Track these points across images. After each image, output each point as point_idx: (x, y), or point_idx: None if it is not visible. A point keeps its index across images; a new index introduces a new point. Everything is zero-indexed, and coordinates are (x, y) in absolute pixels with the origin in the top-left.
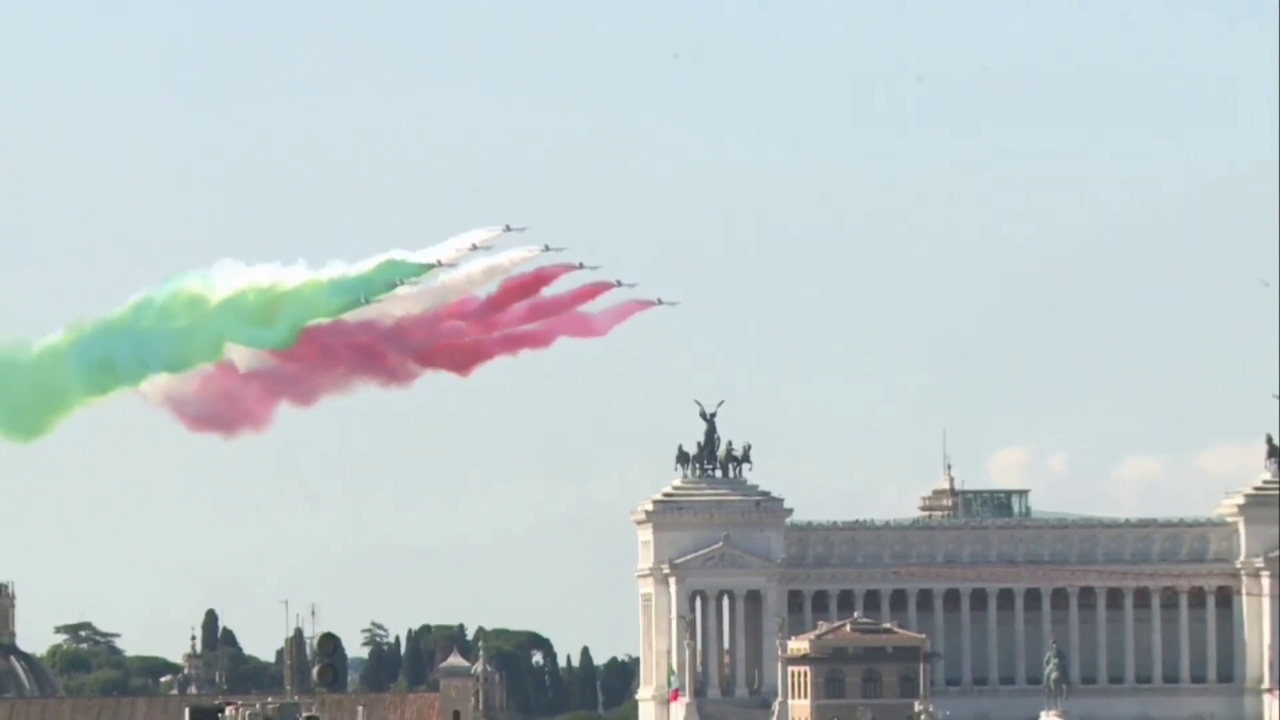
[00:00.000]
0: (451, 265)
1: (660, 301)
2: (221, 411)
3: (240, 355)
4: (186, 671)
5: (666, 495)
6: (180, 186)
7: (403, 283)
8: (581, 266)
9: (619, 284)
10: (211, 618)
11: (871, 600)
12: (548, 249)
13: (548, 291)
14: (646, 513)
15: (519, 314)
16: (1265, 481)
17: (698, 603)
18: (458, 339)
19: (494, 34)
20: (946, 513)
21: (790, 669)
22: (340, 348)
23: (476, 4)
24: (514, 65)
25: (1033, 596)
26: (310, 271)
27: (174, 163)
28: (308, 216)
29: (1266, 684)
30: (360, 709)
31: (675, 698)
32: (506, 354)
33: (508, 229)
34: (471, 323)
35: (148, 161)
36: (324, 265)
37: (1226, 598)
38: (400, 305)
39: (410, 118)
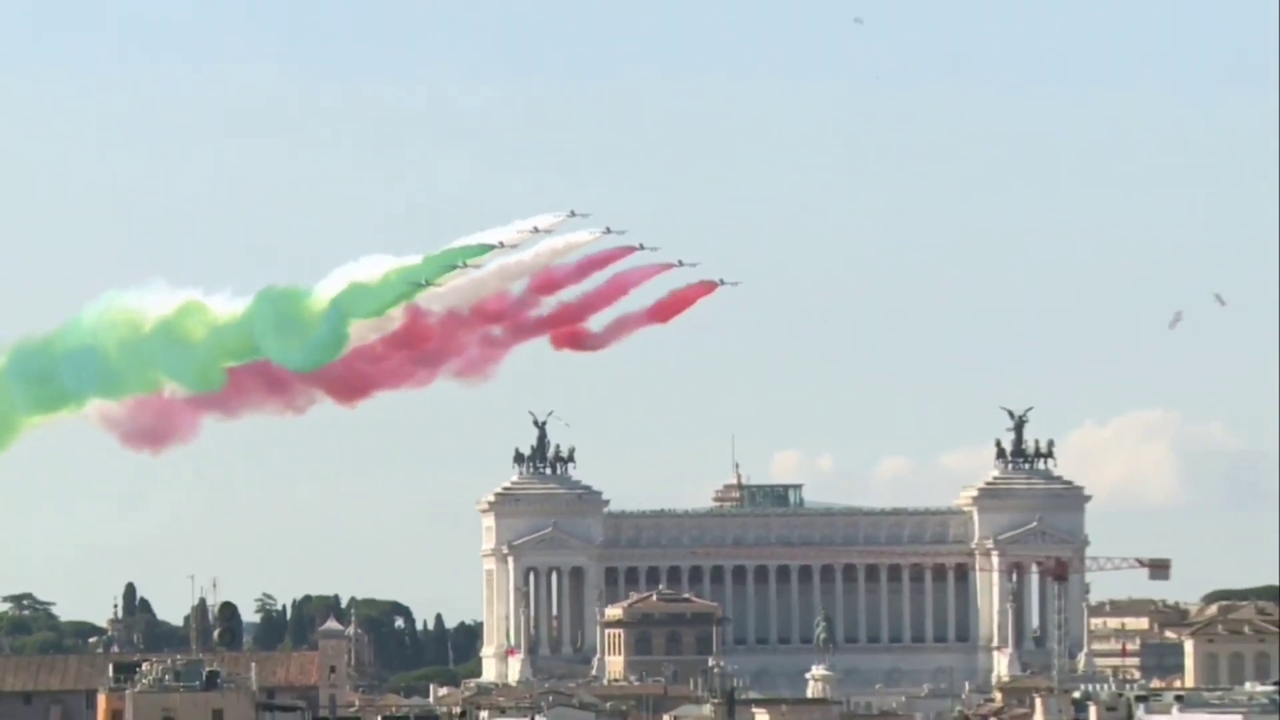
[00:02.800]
0: (513, 246)
1: (723, 282)
2: (154, 430)
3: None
4: (110, 634)
5: (505, 489)
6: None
7: (465, 264)
8: (642, 248)
9: (680, 264)
10: (131, 589)
11: (674, 575)
12: (609, 231)
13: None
14: (489, 503)
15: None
16: (994, 477)
17: (531, 577)
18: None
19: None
20: (735, 503)
21: (607, 631)
22: (257, 386)
23: None
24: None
25: (805, 572)
26: (234, 299)
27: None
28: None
29: (996, 643)
30: (253, 665)
31: (512, 654)
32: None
33: (572, 214)
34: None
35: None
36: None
37: (964, 573)
38: (439, 299)
39: (475, 103)
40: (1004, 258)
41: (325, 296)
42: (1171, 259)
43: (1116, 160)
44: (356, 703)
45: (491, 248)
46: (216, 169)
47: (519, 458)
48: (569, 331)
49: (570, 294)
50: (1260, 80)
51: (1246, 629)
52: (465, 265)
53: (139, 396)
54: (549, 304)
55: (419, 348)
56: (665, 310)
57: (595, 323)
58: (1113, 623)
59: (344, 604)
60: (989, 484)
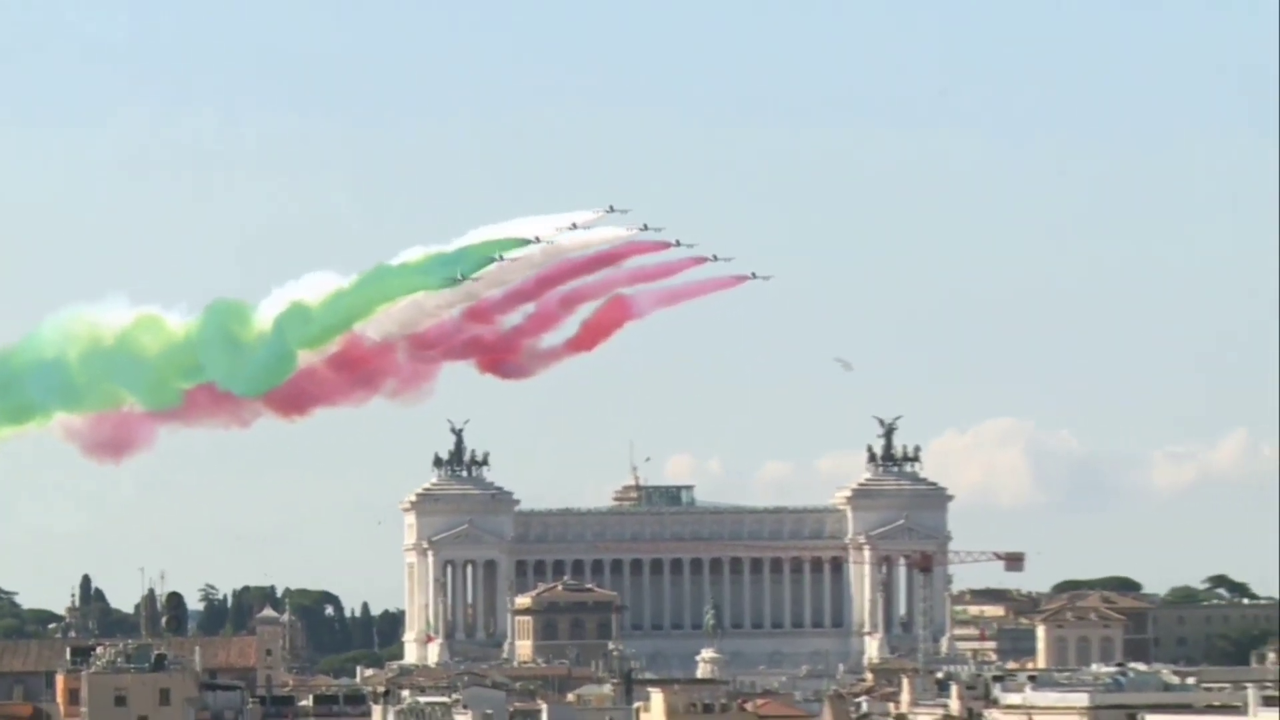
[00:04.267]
0: (549, 241)
1: (754, 276)
2: (114, 443)
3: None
4: (68, 621)
5: (425, 490)
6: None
7: (501, 257)
8: (678, 244)
9: (715, 258)
10: (87, 580)
11: (577, 568)
12: (645, 228)
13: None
14: (411, 503)
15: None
16: (866, 479)
17: (448, 570)
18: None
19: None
20: (633, 502)
21: (517, 619)
22: (209, 403)
23: None
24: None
25: (696, 565)
26: (190, 314)
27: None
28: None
29: (867, 628)
30: (197, 649)
31: (431, 639)
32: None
33: (611, 210)
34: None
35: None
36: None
37: (838, 565)
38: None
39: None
40: (874, 281)
41: (270, 316)
42: (1022, 282)
43: (978, 187)
44: (290, 683)
45: (527, 241)
46: (180, 182)
47: (438, 462)
48: (495, 360)
49: (506, 321)
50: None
51: (1092, 616)
52: (501, 259)
53: (100, 411)
54: (481, 330)
55: (357, 370)
56: (588, 339)
57: (525, 351)
58: (972, 610)
59: (279, 594)
60: (861, 485)
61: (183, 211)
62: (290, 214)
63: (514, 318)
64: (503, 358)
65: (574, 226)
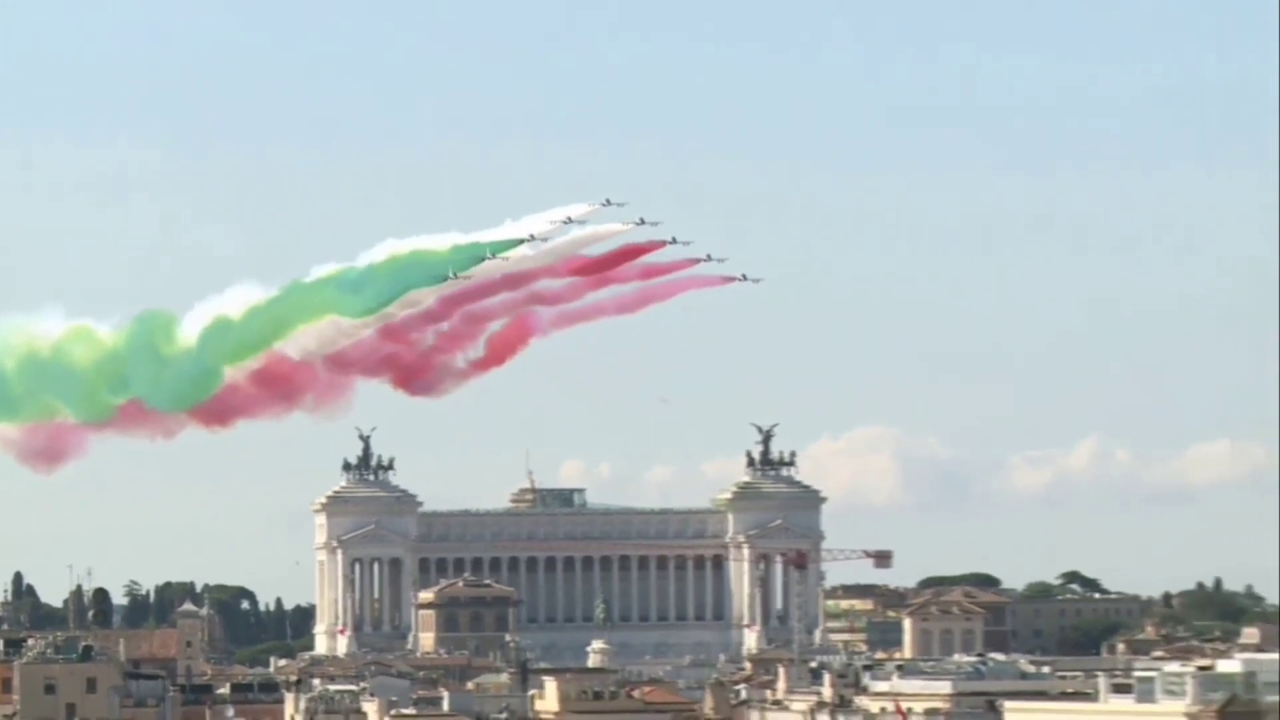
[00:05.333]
0: (543, 239)
1: (745, 278)
2: (48, 452)
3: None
4: (0, 614)
5: (335, 493)
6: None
7: (493, 255)
8: (674, 242)
9: (709, 259)
10: (18, 576)
11: (477, 565)
12: (642, 222)
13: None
14: (321, 504)
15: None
16: (745, 482)
17: (356, 567)
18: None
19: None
20: (528, 504)
21: (420, 612)
22: (137, 416)
23: None
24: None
25: (587, 562)
26: (120, 327)
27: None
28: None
29: (746, 621)
30: (122, 641)
31: (340, 632)
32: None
33: (607, 203)
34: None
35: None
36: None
37: (719, 563)
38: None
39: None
40: (753, 296)
41: (195, 330)
42: (892, 298)
43: (847, 205)
44: (209, 672)
45: (521, 240)
46: (107, 193)
47: (347, 466)
48: (409, 378)
49: (419, 341)
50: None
51: (955, 609)
52: (493, 256)
53: (35, 422)
54: (395, 349)
55: (279, 386)
56: (494, 357)
57: (437, 370)
58: (843, 604)
59: (199, 589)
60: (741, 488)
61: (112, 222)
62: (214, 225)
63: (427, 337)
64: (416, 376)
65: (569, 220)
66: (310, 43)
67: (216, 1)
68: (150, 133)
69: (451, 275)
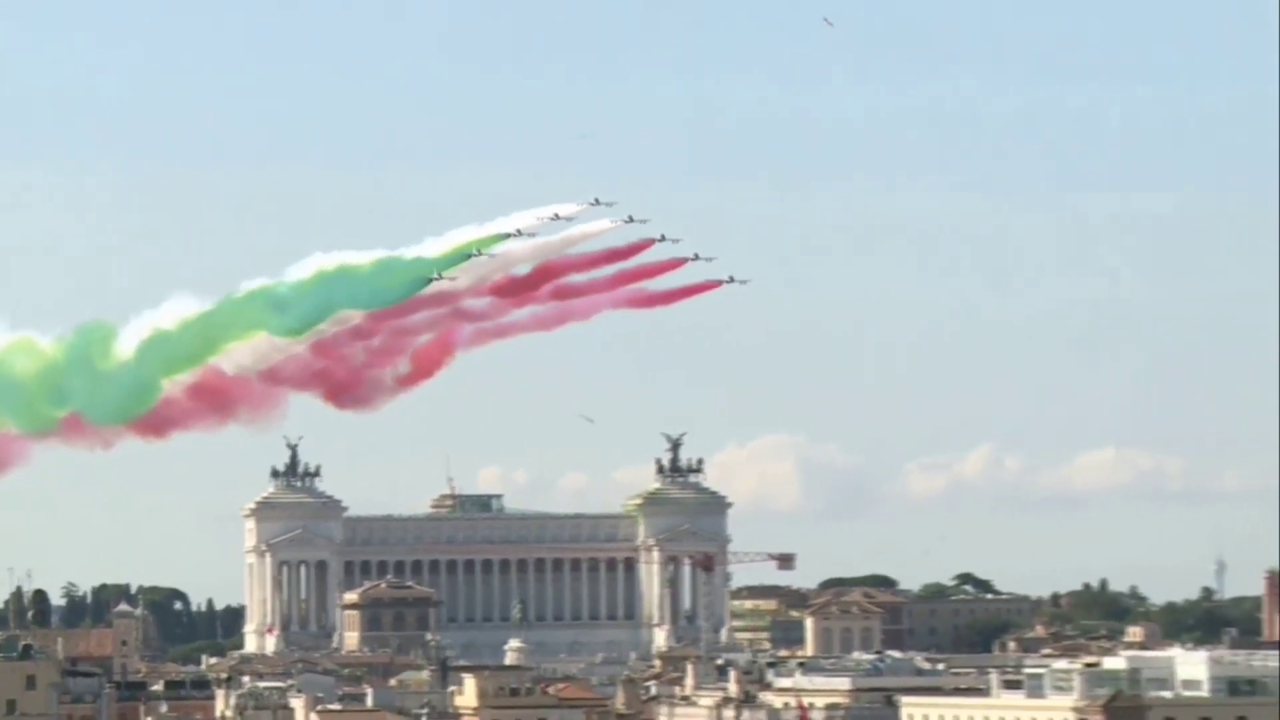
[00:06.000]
0: (530, 235)
1: (731, 279)
2: None
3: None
4: None
5: (264, 499)
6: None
7: (479, 252)
8: (663, 239)
9: (696, 258)
10: None
11: (399, 568)
12: (631, 220)
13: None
14: (251, 510)
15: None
16: (655, 489)
17: (284, 570)
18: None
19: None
20: (448, 509)
21: (345, 613)
22: (80, 427)
23: None
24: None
25: (504, 565)
26: (59, 338)
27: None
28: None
29: (656, 620)
30: (60, 640)
31: (269, 631)
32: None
33: (596, 202)
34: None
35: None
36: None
37: (630, 565)
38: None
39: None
40: (664, 312)
41: (133, 343)
42: (793, 312)
43: (756, 221)
44: (143, 670)
45: (507, 235)
46: (55, 200)
47: (275, 473)
48: (339, 392)
49: (349, 356)
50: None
51: (854, 609)
52: (480, 254)
53: None
54: (326, 364)
55: (215, 400)
56: (420, 373)
57: (367, 385)
58: (749, 604)
59: (134, 590)
60: (651, 494)
61: (56, 231)
62: (154, 233)
63: (357, 353)
64: (347, 390)
65: (556, 218)
66: (261, 53)
67: (151, 20)
68: (89, 148)
69: (437, 275)
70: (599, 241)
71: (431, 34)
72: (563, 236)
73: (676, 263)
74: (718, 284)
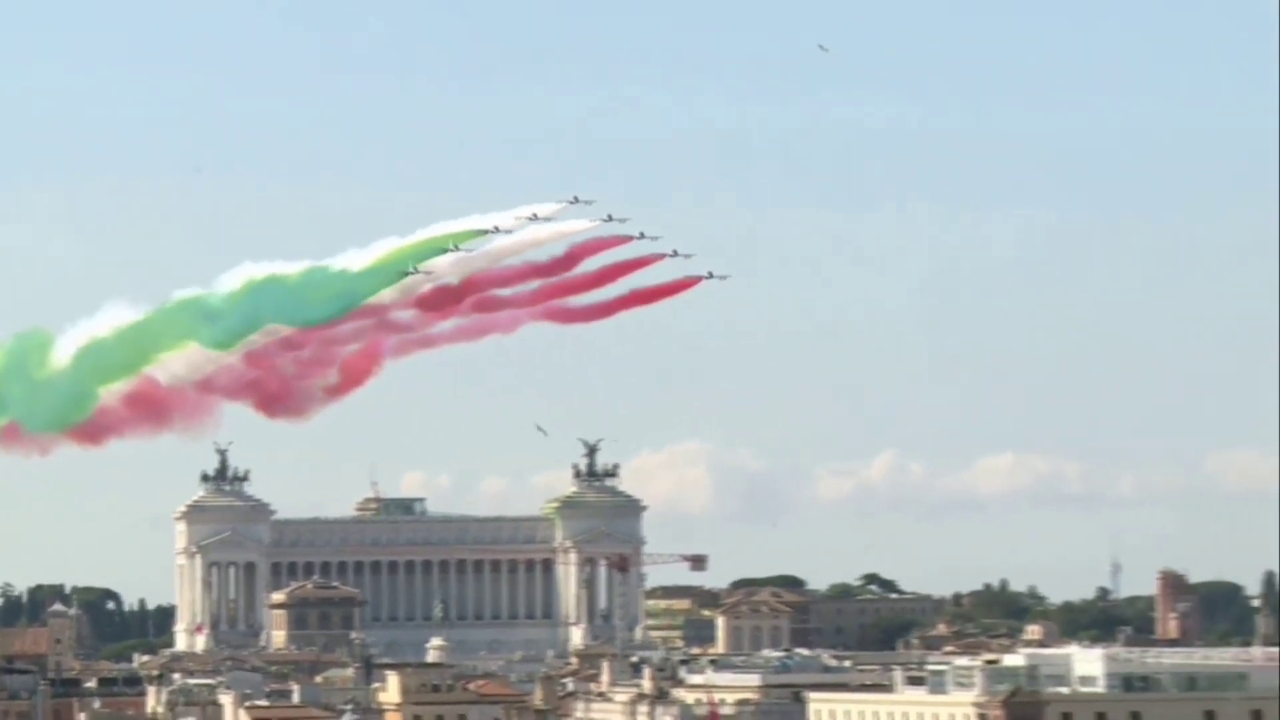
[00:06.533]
0: (508, 232)
1: (711, 275)
2: None
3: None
4: None
5: (194, 502)
6: None
7: (456, 247)
8: (642, 237)
9: (674, 254)
10: None
11: (325, 569)
12: (610, 219)
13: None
14: (182, 513)
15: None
16: (573, 492)
17: (214, 571)
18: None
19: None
20: (373, 512)
21: (273, 612)
22: (18, 435)
23: None
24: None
25: (427, 566)
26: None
27: None
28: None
29: (573, 619)
30: None
31: (199, 630)
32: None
33: (575, 200)
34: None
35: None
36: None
37: (549, 566)
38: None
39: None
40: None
41: (70, 351)
42: (705, 322)
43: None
44: (77, 667)
45: (485, 232)
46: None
47: (205, 477)
48: (272, 402)
49: (281, 366)
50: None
51: (764, 609)
52: (456, 249)
53: None
54: (259, 374)
55: (150, 409)
56: (349, 382)
57: (298, 395)
58: (662, 604)
59: (68, 591)
60: (568, 498)
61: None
62: (91, 241)
63: (287, 363)
64: (279, 400)
65: (535, 217)
66: (207, 58)
67: (82, 31)
68: (26, 157)
69: (412, 270)
70: (536, 252)
71: (375, 40)
72: (539, 235)
73: (655, 258)
74: (698, 280)
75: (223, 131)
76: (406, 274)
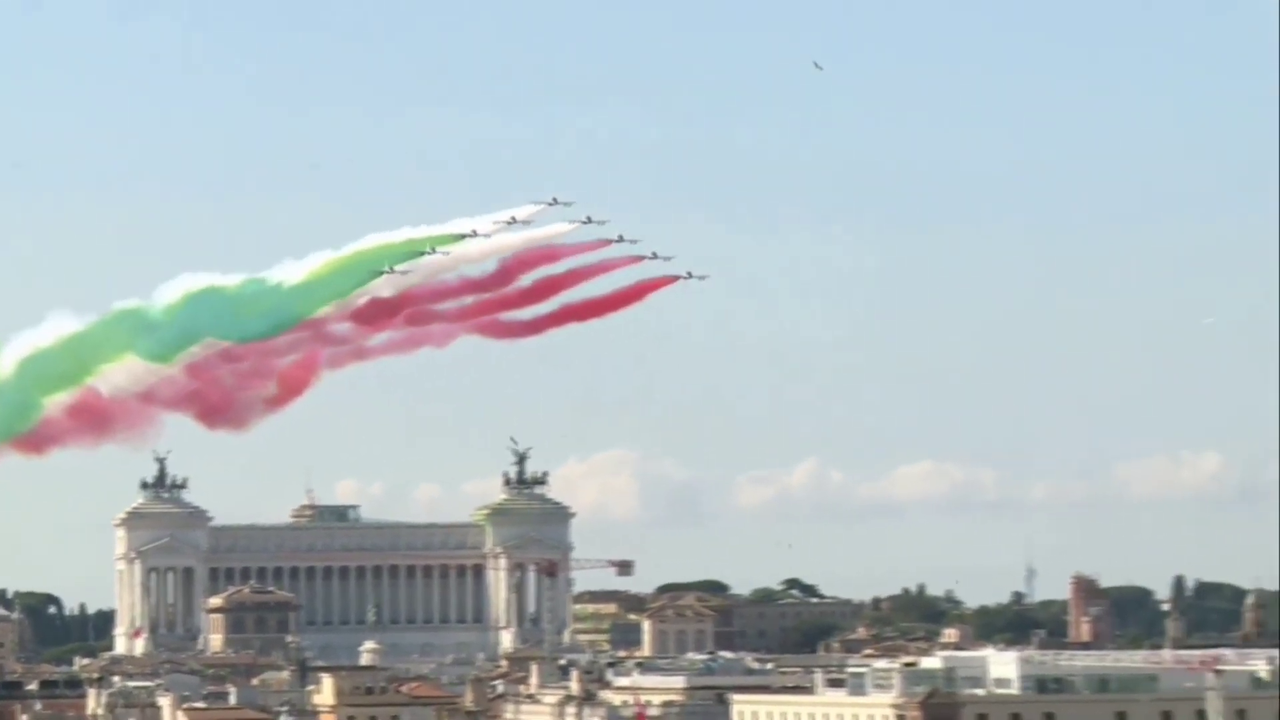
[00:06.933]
0: (486, 236)
1: (690, 275)
2: None
3: None
4: None
5: (133, 509)
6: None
7: (433, 250)
8: (621, 240)
9: (654, 256)
10: None
11: (261, 574)
12: (589, 221)
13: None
14: (121, 519)
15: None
16: (502, 500)
17: (153, 576)
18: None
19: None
20: (308, 519)
21: (210, 616)
22: None
23: None
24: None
25: (360, 571)
26: None
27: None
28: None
29: (503, 623)
30: None
31: (138, 634)
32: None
33: (554, 202)
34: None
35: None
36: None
37: (479, 572)
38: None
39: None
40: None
41: (12, 362)
42: (630, 336)
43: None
44: (19, 670)
45: (463, 236)
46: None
47: (144, 485)
48: (212, 413)
49: (221, 378)
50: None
51: (689, 613)
52: (434, 251)
53: None
54: (200, 386)
55: (93, 420)
56: (287, 393)
57: (237, 406)
58: (590, 608)
59: (10, 595)
60: (498, 505)
61: None
62: (36, 250)
63: (226, 375)
64: (219, 412)
65: (513, 220)
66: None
67: (20, 41)
68: None
69: (388, 269)
70: (470, 268)
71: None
72: (520, 238)
73: (634, 260)
74: (674, 279)
75: (155, 142)
76: (382, 272)
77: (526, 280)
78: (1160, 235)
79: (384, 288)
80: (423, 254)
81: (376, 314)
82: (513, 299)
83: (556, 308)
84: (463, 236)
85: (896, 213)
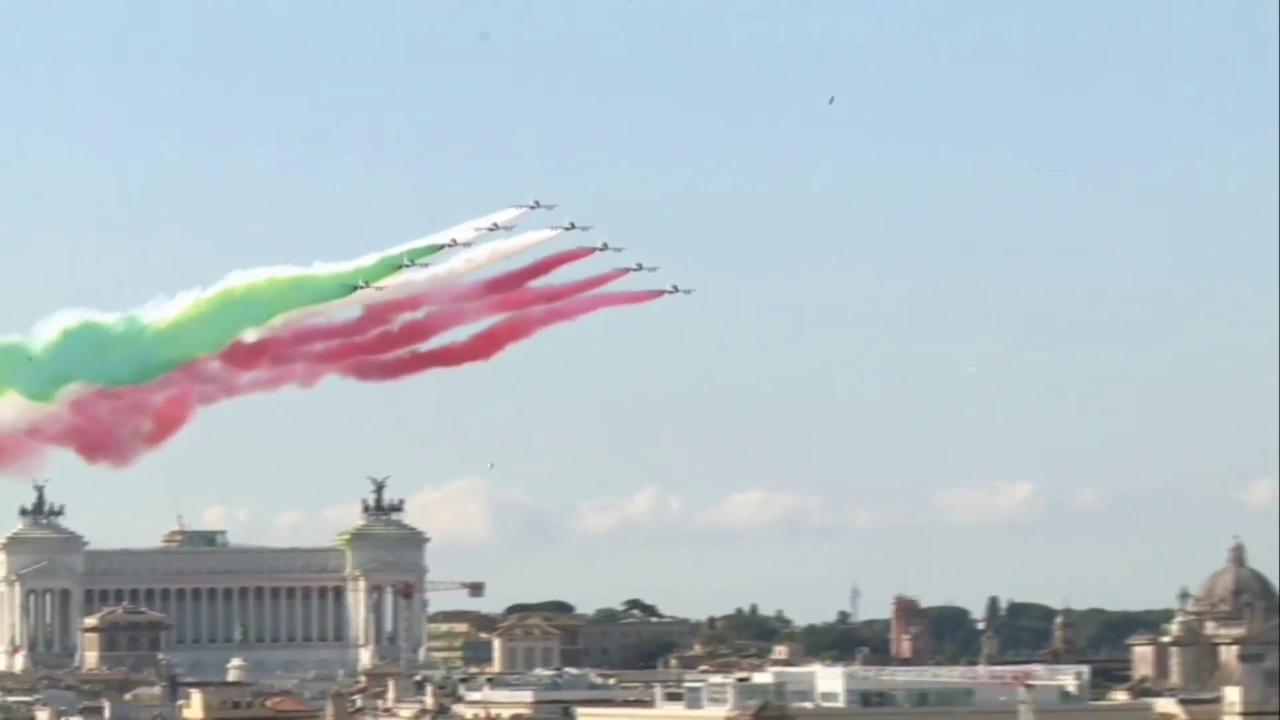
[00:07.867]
0: (466, 245)
1: (675, 289)
2: None
3: None
4: None
5: (13, 534)
6: None
7: (413, 263)
8: (605, 248)
9: (639, 268)
10: None
11: (134, 595)
12: (573, 227)
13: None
14: (1, 544)
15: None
16: (361, 526)
17: (31, 598)
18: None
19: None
20: (178, 543)
21: (86, 635)
22: None
23: None
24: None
25: (228, 593)
26: None
27: None
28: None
29: (362, 641)
30: None
31: (17, 652)
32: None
33: (536, 205)
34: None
35: None
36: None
37: (340, 593)
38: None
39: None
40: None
41: None
42: (478, 368)
43: None
44: None
45: (441, 247)
46: None
47: (23, 511)
48: (94, 448)
49: (102, 414)
50: None
51: (536, 631)
52: (412, 264)
53: None
54: (81, 421)
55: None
56: (162, 430)
57: (118, 442)
58: (444, 627)
59: None
60: (357, 530)
61: None
62: None
63: (105, 411)
64: (100, 447)
65: (495, 227)
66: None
67: None
68: None
69: (362, 284)
70: (341, 313)
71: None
72: (498, 248)
73: (620, 272)
74: (659, 294)
75: (30, 176)
76: (357, 288)
77: (394, 326)
78: (980, 277)
79: (331, 310)
80: (400, 267)
81: (245, 356)
82: (374, 344)
83: (408, 355)
84: (441, 247)
85: (717, 244)
